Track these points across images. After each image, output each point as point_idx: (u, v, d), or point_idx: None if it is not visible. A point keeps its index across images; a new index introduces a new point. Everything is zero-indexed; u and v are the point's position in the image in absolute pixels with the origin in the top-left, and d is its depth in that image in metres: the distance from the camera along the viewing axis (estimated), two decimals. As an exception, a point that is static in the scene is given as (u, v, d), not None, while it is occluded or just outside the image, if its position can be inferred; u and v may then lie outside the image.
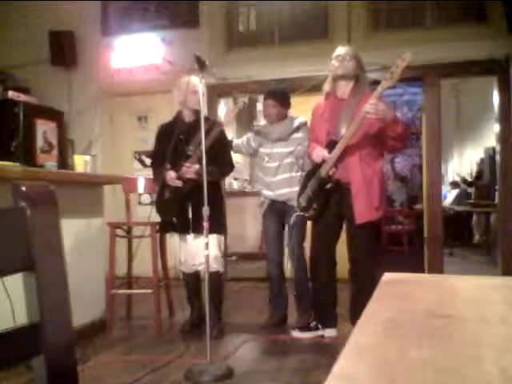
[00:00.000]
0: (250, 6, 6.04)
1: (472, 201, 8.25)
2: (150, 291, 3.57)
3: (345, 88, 3.13)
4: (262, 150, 3.67)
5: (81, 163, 3.64)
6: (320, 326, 3.32)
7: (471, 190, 8.71)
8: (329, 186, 3.08)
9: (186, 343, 3.25)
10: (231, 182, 6.36)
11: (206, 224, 2.72)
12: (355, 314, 3.08)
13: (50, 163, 3.28)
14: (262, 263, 4.71)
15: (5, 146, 3.13)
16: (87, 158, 3.78)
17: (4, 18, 6.27)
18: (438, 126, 5.39)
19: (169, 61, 5.81)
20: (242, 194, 6.12)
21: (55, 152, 3.44)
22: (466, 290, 0.97)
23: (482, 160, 8.72)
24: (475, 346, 0.61)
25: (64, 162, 3.57)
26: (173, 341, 3.36)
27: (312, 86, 4.95)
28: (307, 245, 3.48)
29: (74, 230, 3.25)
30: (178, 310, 3.98)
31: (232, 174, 4.95)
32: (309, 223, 3.42)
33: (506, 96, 5.17)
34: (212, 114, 5.39)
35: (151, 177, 3.81)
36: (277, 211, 3.62)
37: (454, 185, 9.12)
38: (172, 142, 3.34)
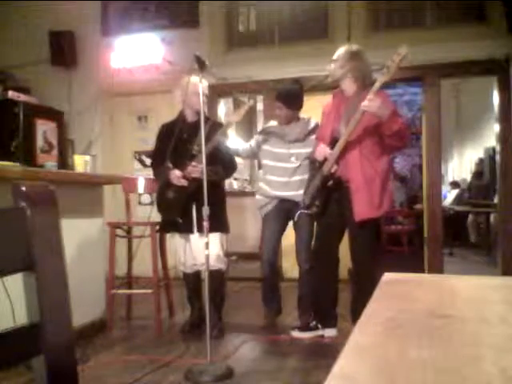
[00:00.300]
0: (249, 5, 6.04)
1: (470, 201, 8.25)
2: (150, 291, 3.57)
3: (350, 87, 3.13)
4: (276, 150, 3.59)
5: (81, 163, 3.63)
6: (320, 326, 3.32)
7: (466, 194, 8.72)
8: (329, 183, 3.09)
9: (185, 343, 3.25)
10: (231, 182, 6.35)
11: (206, 223, 2.72)
12: (356, 313, 3.08)
13: (50, 163, 3.28)
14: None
15: (5, 145, 3.14)
16: (87, 158, 3.77)
17: (4, 18, 6.27)
18: (438, 126, 5.39)
19: (169, 61, 5.82)
20: (241, 193, 6.12)
21: (55, 152, 3.45)
22: (466, 290, 0.97)
23: (480, 160, 8.71)
24: (475, 346, 0.61)
25: (64, 162, 3.57)
26: (173, 341, 3.36)
27: (312, 86, 4.95)
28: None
29: (74, 230, 3.25)
30: (178, 310, 3.98)
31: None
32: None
33: (506, 96, 5.17)
34: (212, 114, 5.40)
35: (151, 177, 3.80)
36: (284, 211, 3.57)
37: (454, 185, 9.12)
38: (173, 142, 3.35)
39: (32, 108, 3.32)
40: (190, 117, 3.48)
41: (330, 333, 3.28)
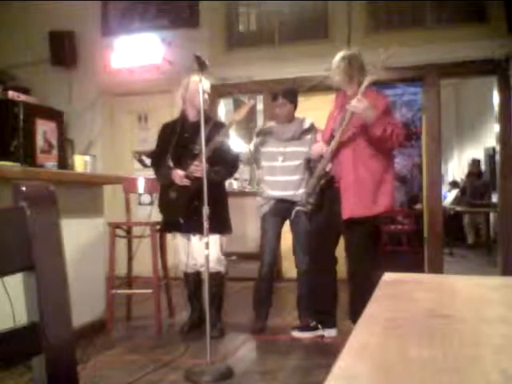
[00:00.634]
0: (249, 5, 6.04)
1: (466, 201, 8.25)
2: (150, 291, 3.57)
3: (351, 88, 3.14)
4: (272, 150, 3.58)
5: (81, 163, 3.63)
6: (320, 326, 3.32)
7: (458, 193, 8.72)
8: (322, 181, 3.11)
9: (185, 343, 3.25)
10: (231, 182, 6.35)
11: (205, 223, 2.72)
12: (353, 312, 3.09)
13: (50, 163, 3.28)
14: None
15: (5, 145, 3.14)
16: (87, 158, 3.77)
17: (4, 18, 6.27)
18: (437, 126, 5.39)
19: (169, 61, 5.82)
20: (242, 194, 6.12)
21: (55, 152, 3.45)
22: (466, 290, 0.97)
23: (473, 160, 8.70)
24: (475, 346, 0.61)
25: (64, 162, 3.57)
26: (173, 341, 3.36)
27: (312, 86, 4.96)
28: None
29: (74, 230, 3.25)
30: (178, 310, 3.98)
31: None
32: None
33: (506, 96, 5.17)
34: (212, 114, 5.39)
35: (151, 177, 3.80)
36: (282, 211, 3.55)
37: (454, 185, 9.12)
38: (174, 141, 3.34)
39: (32, 108, 3.32)
40: (192, 116, 3.47)
41: (330, 333, 3.29)
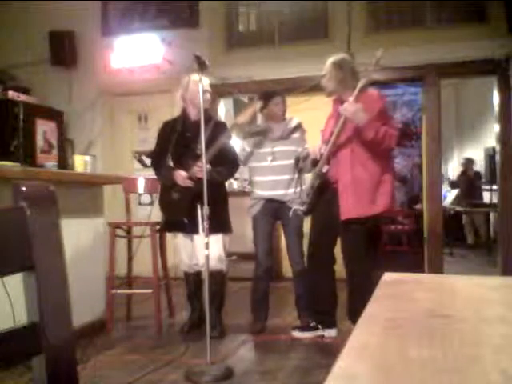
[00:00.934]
0: (249, 5, 6.04)
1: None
2: (150, 291, 3.57)
3: (345, 94, 3.14)
4: (261, 150, 3.59)
5: (81, 163, 3.63)
6: (320, 326, 3.32)
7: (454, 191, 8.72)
8: (317, 182, 3.12)
9: (186, 343, 3.25)
10: (231, 182, 6.35)
11: (206, 223, 2.72)
12: (352, 312, 3.09)
13: (50, 163, 3.28)
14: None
15: (5, 145, 3.14)
16: (87, 158, 3.78)
17: (4, 18, 6.27)
18: (437, 126, 5.39)
19: (169, 61, 5.82)
20: (241, 194, 6.12)
21: (55, 152, 3.45)
22: (466, 290, 0.97)
23: (467, 160, 8.70)
24: (475, 346, 0.61)
25: (64, 162, 3.57)
26: (173, 341, 3.36)
27: (312, 86, 4.95)
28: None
29: (73, 230, 3.25)
30: (178, 310, 3.98)
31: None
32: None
33: (506, 96, 5.17)
34: (213, 113, 5.39)
35: (151, 177, 3.80)
36: (272, 211, 3.55)
37: (454, 185, 9.12)
38: (174, 140, 3.34)
39: (32, 108, 3.32)
40: (193, 115, 3.45)
41: (329, 333, 3.29)
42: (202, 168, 3.18)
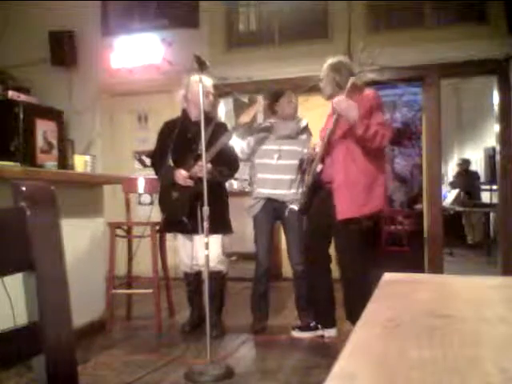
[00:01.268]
0: (249, 5, 6.04)
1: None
2: (150, 291, 3.57)
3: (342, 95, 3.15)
4: (267, 147, 3.56)
5: (81, 163, 3.63)
6: (320, 326, 3.32)
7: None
8: (311, 181, 3.13)
9: (186, 343, 3.25)
10: (231, 182, 6.35)
11: (205, 224, 2.72)
12: (349, 312, 3.09)
13: (50, 163, 3.28)
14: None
15: (5, 145, 3.14)
16: (87, 158, 3.77)
17: (4, 18, 6.27)
18: (437, 126, 5.39)
19: (169, 61, 5.82)
20: (242, 193, 6.12)
21: (55, 152, 3.45)
22: (466, 289, 0.97)
23: (463, 160, 8.70)
24: (475, 346, 0.61)
25: (64, 162, 3.57)
26: (173, 341, 3.36)
27: (312, 86, 4.95)
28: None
29: (74, 230, 3.25)
30: (178, 310, 3.98)
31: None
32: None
33: (506, 96, 5.17)
34: (214, 114, 5.39)
35: (151, 177, 3.80)
36: (273, 211, 3.55)
37: (454, 185, 9.12)
38: (174, 140, 3.34)
39: (32, 108, 3.33)
40: (194, 116, 3.45)
41: (329, 333, 3.28)
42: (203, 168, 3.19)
